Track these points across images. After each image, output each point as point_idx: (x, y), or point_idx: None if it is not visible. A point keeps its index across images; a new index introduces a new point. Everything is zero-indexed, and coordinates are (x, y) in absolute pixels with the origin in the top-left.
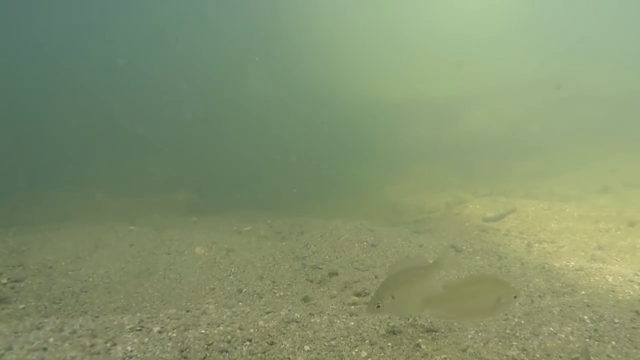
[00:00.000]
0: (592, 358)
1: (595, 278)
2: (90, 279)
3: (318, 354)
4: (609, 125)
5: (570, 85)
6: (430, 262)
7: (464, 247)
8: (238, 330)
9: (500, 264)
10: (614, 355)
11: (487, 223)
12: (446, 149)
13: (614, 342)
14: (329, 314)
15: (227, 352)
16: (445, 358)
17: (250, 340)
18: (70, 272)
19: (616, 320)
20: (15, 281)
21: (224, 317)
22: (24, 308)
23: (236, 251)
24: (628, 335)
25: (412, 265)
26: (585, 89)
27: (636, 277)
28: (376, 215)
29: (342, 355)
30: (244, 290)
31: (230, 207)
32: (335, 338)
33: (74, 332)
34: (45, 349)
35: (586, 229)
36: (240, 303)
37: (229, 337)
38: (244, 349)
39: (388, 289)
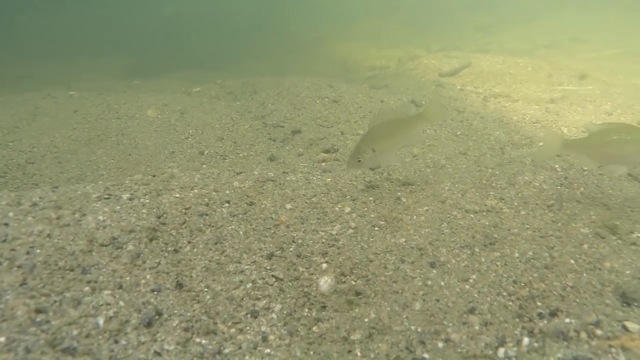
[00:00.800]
0: (564, 204)
1: (552, 130)
2: (35, 149)
3: (301, 211)
4: None
5: None
6: (415, 112)
7: (423, 102)
8: (214, 193)
9: (461, 117)
10: (582, 200)
11: (443, 78)
12: (393, 3)
13: (582, 189)
14: (302, 172)
15: (206, 215)
16: (427, 210)
17: (228, 202)
18: (10, 144)
19: (585, 168)
20: None
21: (195, 180)
22: None
23: (190, 113)
24: (595, 182)
25: (395, 116)
26: None
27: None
28: (327, 73)
29: (326, 211)
30: (205, 152)
31: (173, 69)
32: (315, 195)
33: (35, 204)
34: (7, 225)
35: (539, 82)
36: (204, 165)
37: (206, 199)
38: (224, 211)
39: (369, 142)
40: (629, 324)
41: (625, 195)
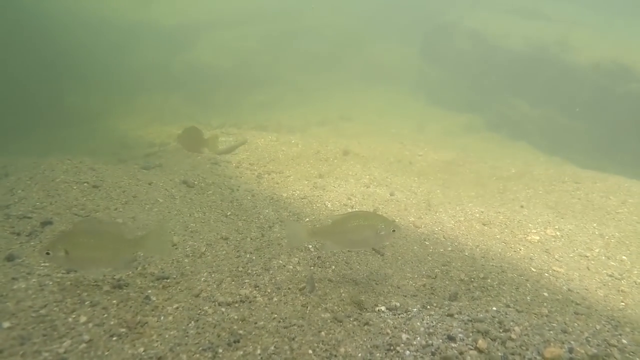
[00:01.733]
0: (316, 284)
1: (317, 205)
2: None
3: (23, 329)
4: (328, 61)
5: (295, 20)
6: (132, 237)
7: (195, 182)
8: None
9: (232, 197)
10: (334, 278)
11: (219, 156)
12: (177, 78)
13: (334, 267)
14: (39, 275)
15: None
16: (177, 307)
17: None
18: None
19: (336, 249)
20: None
21: None
22: None
23: None
24: (345, 259)
25: (102, 228)
26: (308, 24)
27: (349, 200)
28: (103, 151)
29: (56, 325)
30: None
31: None
32: (46, 305)
33: None
34: None
35: (309, 158)
36: None
37: None
38: None
39: (63, 242)
40: None
41: (370, 269)
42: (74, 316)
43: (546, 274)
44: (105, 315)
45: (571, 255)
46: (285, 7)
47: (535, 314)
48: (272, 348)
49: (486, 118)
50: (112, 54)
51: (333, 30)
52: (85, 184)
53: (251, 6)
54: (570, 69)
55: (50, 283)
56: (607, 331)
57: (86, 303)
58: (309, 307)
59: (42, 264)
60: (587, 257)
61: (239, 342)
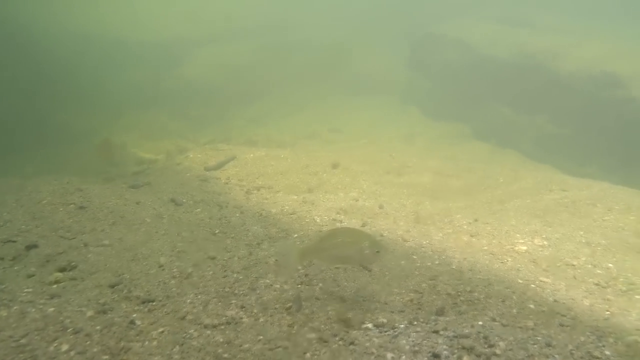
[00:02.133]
0: (303, 303)
1: (306, 220)
2: None
3: None
4: (318, 74)
5: (283, 33)
6: None
7: (184, 200)
8: None
9: (221, 214)
10: (321, 296)
11: (208, 172)
12: (167, 94)
13: (321, 284)
14: (21, 302)
15: None
16: (162, 331)
17: None
18: None
19: (323, 266)
20: None
21: None
22: None
23: None
24: (332, 276)
25: None
26: (296, 37)
27: (338, 215)
28: (90, 169)
29: (36, 355)
30: None
31: None
32: (27, 334)
33: None
34: None
35: (298, 173)
36: None
37: None
38: None
39: None
40: None
41: (358, 285)
42: (55, 345)
43: (532, 285)
44: (88, 342)
45: (558, 264)
46: (273, 22)
47: (520, 327)
48: None
49: (475, 127)
50: (102, 70)
51: (321, 42)
52: (71, 206)
53: (239, 21)
54: (557, 76)
55: (33, 310)
56: (591, 342)
57: (69, 330)
58: (295, 327)
59: (26, 290)
60: (573, 265)
61: None
